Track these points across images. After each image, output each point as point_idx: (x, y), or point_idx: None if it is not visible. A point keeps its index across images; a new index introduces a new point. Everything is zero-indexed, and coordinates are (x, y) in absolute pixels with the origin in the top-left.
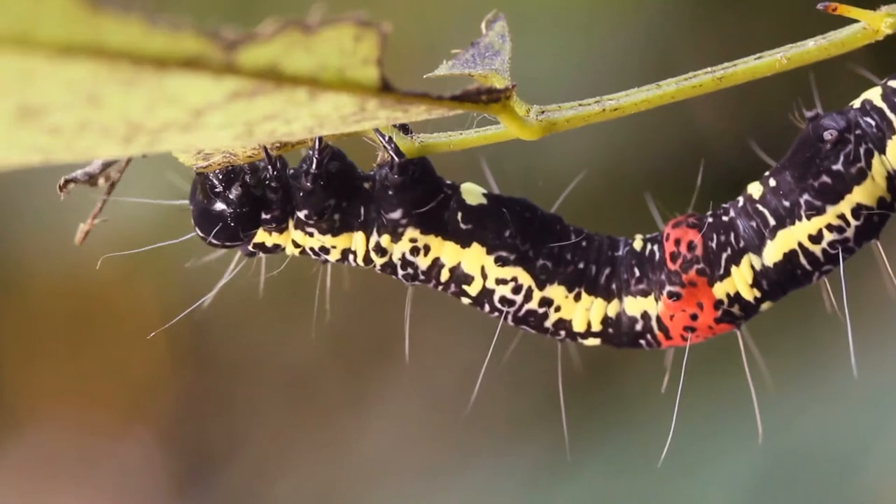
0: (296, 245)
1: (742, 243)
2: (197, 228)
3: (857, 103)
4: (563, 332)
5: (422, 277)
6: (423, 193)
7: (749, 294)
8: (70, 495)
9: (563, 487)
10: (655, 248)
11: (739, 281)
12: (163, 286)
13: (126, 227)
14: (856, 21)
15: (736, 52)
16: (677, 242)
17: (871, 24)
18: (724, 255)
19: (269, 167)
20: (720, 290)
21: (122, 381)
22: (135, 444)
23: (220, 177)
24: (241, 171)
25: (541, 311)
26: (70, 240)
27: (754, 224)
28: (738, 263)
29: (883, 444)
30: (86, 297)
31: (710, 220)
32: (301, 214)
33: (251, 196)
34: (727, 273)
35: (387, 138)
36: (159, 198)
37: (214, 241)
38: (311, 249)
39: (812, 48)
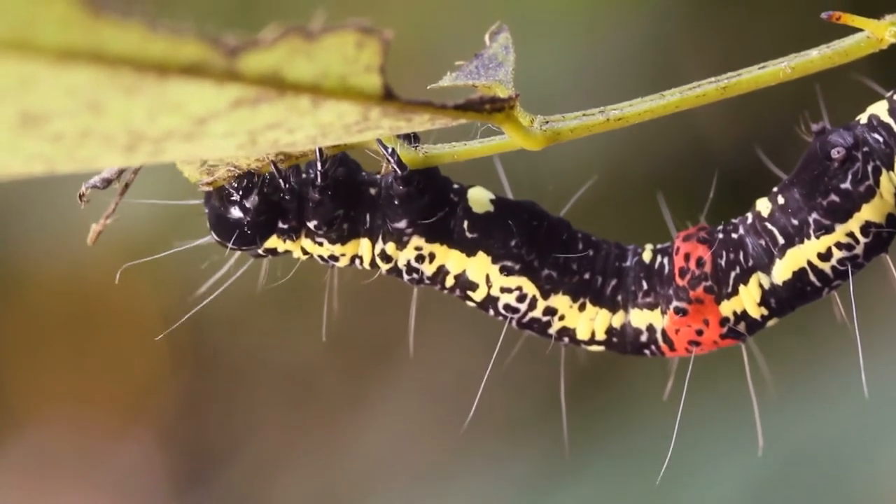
0: (304, 252)
1: (751, 262)
2: (213, 233)
3: (863, 118)
4: (566, 339)
5: (427, 282)
6: (428, 203)
7: (756, 312)
8: (70, 495)
9: (564, 490)
10: (665, 260)
11: (747, 299)
12: (163, 286)
13: (127, 227)
14: (860, 30)
15: (737, 55)
16: (687, 258)
17: (875, 33)
18: (733, 274)
19: (281, 181)
20: (727, 307)
21: (122, 381)
22: (135, 444)
23: (237, 185)
24: (259, 179)
25: (544, 319)
26: (70, 240)
27: (763, 242)
28: (746, 282)
29: (885, 448)
30: (86, 298)
31: (720, 236)
32: (311, 224)
33: (268, 205)
34: (735, 291)
35: (390, 150)
36: (170, 198)
37: (230, 246)
38: (320, 257)
39: (816, 57)
